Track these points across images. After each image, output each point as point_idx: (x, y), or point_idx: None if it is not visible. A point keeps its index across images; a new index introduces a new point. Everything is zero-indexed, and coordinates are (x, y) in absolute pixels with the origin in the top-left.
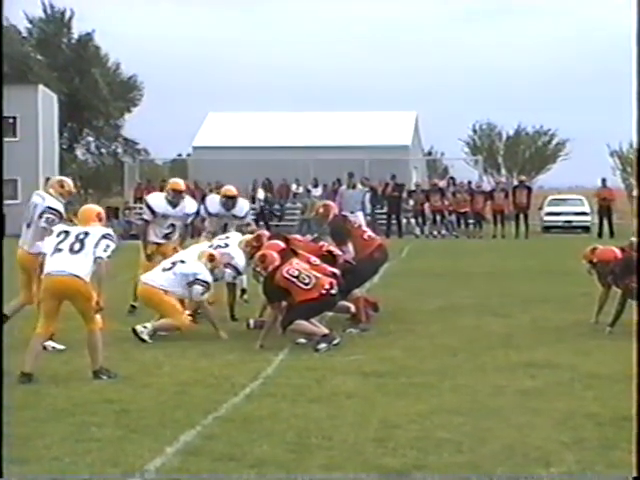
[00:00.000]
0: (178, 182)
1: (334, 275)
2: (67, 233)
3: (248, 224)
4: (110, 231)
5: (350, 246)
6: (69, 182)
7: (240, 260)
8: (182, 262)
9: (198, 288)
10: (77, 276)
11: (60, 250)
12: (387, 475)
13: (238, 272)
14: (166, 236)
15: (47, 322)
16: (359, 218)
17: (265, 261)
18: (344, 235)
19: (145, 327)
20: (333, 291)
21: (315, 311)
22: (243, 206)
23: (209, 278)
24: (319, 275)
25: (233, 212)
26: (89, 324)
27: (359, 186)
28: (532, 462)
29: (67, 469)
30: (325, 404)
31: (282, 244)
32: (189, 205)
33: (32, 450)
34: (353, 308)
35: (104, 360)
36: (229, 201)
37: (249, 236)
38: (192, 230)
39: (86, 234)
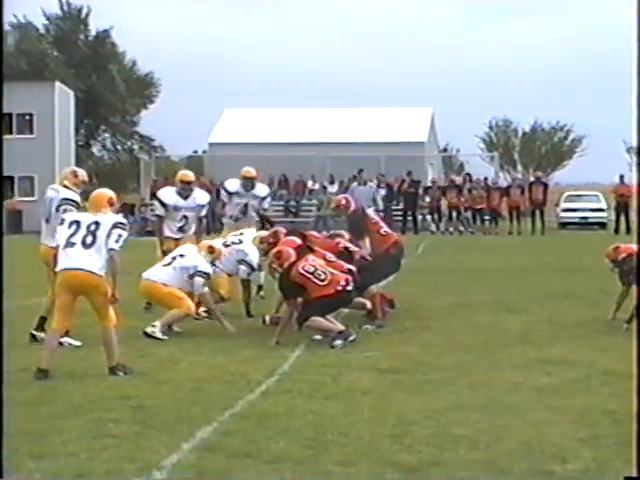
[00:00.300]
0: (187, 173)
1: (350, 272)
2: (78, 224)
3: (265, 209)
4: (121, 218)
5: (367, 241)
6: (82, 172)
7: (254, 256)
8: (181, 256)
9: (199, 280)
10: (92, 271)
11: (73, 244)
12: (403, 472)
13: (252, 268)
14: (180, 229)
15: (62, 317)
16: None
17: (281, 257)
18: (362, 230)
19: (154, 325)
20: (349, 287)
21: (331, 307)
22: (262, 188)
23: (209, 270)
24: (335, 271)
25: (253, 192)
26: (103, 320)
27: (370, 183)
28: (548, 459)
29: (84, 465)
30: (341, 400)
31: (298, 240)
32: (200, 196)
33: (49, 446)
34: (369, 304)
35: (120, 356)
36: (248, 182)
37: (263, 232)
38: (212, 221)
39: (97, 225)
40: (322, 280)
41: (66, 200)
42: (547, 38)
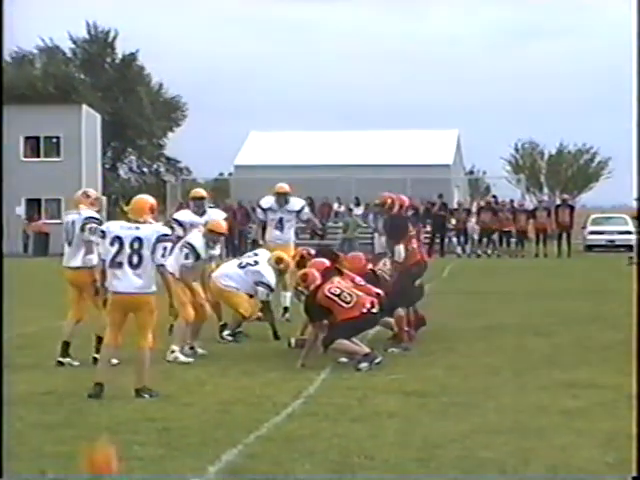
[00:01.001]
0: (198, 190)
1: (378, 295)
2: (121, 242)
3: (308, 220)
4: (163, 229)
5: (402, 247)
6: (92, 191)
7: (270, 277)
8: (255, 263)
9: (262, 290)
10: (142, 292)
11: (120, 265)
12: None
13: (270, 289)
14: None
15: (114, 333)
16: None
17: (307, 280)
18: (400, 234)
19: (173, 351)
20: (374, 310)
21: (356, 329)
22: (296, 202)
23: (273, 283)
24: (360, 293)
25: (287, 208)
26: (142, 340)
27: None
28: None
29: None
30: (367, 423)
31: (327, 262)
32: (214, 214)
33: (75, 468)
34: (396, 327)
35: (146, 379)
36: (281, 198)
37: (278, 252)
38: (238, 243)
39: (140, 242)
40: (348, 302)
41: (89, 219)
42: (573, 60)
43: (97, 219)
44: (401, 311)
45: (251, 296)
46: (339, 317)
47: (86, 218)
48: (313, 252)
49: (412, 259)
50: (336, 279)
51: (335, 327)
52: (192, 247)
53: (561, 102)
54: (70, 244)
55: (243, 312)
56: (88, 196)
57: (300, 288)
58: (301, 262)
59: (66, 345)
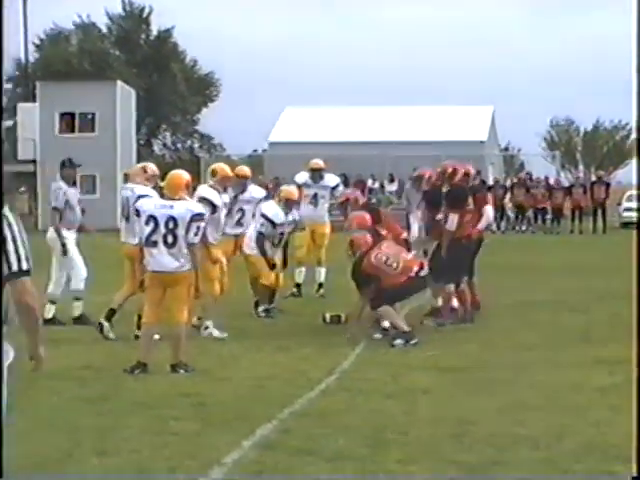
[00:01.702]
0: (243, 168)
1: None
2: (156, 221)
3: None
4: (197, 208)
5: (456, 218)
6: (152, 166)
7: (272, 211)
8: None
9: (267, 225)
10: (178, 271)
11: (155, 244)
12: (464, 471)
13: (272, 223)
14: (238, 222)
15: (153, 309)
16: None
17: (354, 245)
18: (459, 203)
19: (207, 327)
20: (422, 273)
21: (404, 293)
22: (331, 178)
23: (277, 218)
24: (407, 257)
25: (322, 183)
26: (177, 315)
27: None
28: (611, 459)
29: (145, 462)
30: (401, 399)
31: (368, 218)
32: (255, 190)
33: (112, 442)
34: (440, 302)
35: (181, 354)
36: (316, 174)
37: (288, 187)
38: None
39: (174, 221)
40: (394, 268)
41: (142, 197)
42: (608, 36)
43: (150, 197)
44: (451, 287)
45: (274, 266)
46: (387, 282)
47: (140, 196)
48: (362, 201)
49: (463, 231)
50: (384, 244)
51: (384, 291)
52: (266, 217)
53: (597, 78)
54: (127, 220)
55: (265, 282)
56: (145, 171)
57: (349, 253)
58: (344, 204)
59: (112, 312)
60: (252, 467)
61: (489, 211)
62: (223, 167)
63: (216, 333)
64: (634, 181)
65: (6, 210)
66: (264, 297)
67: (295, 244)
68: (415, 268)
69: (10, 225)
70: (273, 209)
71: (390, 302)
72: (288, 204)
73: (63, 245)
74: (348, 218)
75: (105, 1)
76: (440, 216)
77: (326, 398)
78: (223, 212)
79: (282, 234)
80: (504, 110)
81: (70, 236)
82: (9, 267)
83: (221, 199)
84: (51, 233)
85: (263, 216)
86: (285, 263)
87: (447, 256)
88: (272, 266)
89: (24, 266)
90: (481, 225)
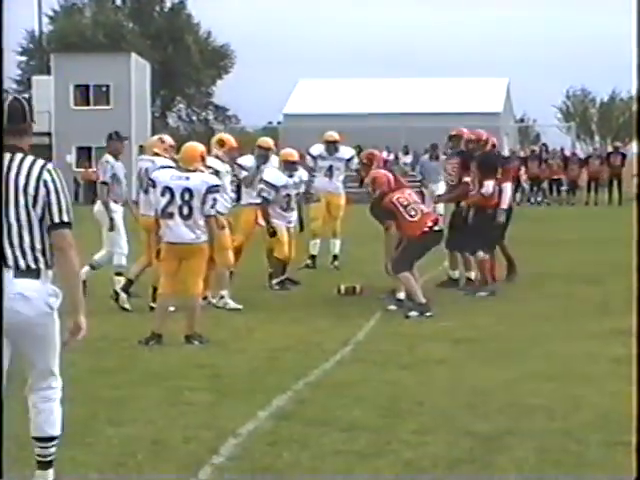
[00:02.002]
0: (266, 140)
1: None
2: (172, 193)
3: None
4: (212, 179)
5: (491, 184)
6: (168, 137)
7: (271, 176)
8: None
9: (267, 189)
10: (194, 242)
11: (171, 215)
12: (478, 440)
13: (273, 188)
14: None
15: (168, 281)
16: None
17: (375, 183)
18: (491, 170)
19: (222, 297)
20: (437, 227)
21: (422, 249)
22: (346, 151)
23: (277, 182)
24: (426, 210)
25: (337, 155)
26: (192, 287)
27: (442, 157)
28: (625, 430)
29: (161, 432)
30: (415, 370)
31: (390, 176)
32: (274, 161)
33: (127, 412)
34: (472, 275)
35: (196, 325)
36: (331, 146)
37: (289, 150)
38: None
39: (190, 193)
40: (412, 216)
41: (163, 168)
42: (623, 8)
43: (171, 168)
44: (482, 254)
45: (274, 234)
46: (402, 227)
47: (160, 167)
48: (385, 158)
49: (490, 200)
50: (406, 191)
51: (403, 251)
52: (267, 182)
53: (613, 49)
54: (146, 192)
55: (277, 254)
56: (163, 142)
57: (369, 190)
58: (367, 161)
59: (130, 282)
60: (267, 437)
61: (508, 189)
62: (229, 137)
63: (231, 304)
64: None
65: (50, 165)
66: (277, 270)
67: (310, 216)
68: (430, 223)
69: (54, 180)
70: (273, 173)
71: (410, 264)
72: (287, 166)
73: (111, 219)
74: (369, 174)
75: None
76: (468, 179)
77: (341, 369)
78: (227, 178)
79: (288, 196)
80: (520, 81)
81: (118, 209)
82: (51, 219)
83: (225, 167)
84: (98, 206)
85: (264, 182)
86: (302, 227)
87: (473, 224)
88: (272, 234)
89: (65, 218)
90: (503, 203)
